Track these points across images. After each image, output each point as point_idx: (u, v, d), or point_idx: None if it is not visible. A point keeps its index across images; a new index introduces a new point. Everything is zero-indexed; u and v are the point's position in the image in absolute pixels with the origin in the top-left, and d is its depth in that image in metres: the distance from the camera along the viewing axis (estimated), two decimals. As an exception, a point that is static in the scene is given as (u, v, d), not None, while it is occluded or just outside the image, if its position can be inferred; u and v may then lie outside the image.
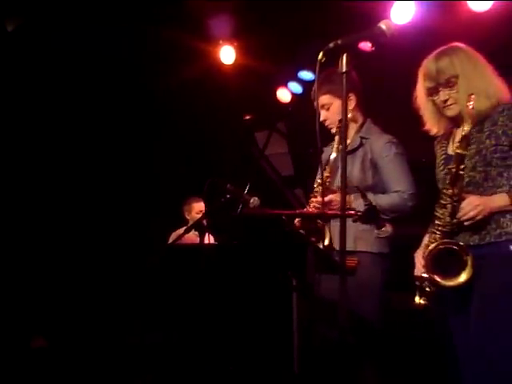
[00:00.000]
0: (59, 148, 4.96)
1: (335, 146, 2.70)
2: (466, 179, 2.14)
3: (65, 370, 4.03)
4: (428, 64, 2.22)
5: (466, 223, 2.10)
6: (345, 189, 1.86)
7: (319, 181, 2.69)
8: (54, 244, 4.86)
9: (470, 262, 2.05)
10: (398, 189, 2.66)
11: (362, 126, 2.81)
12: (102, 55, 4.48)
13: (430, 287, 2.12)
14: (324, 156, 2.76)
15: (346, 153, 1.91)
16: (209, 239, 3.27)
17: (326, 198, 2.58)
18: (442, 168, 2.27)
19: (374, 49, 3.29)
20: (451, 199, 2.11)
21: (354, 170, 2.70)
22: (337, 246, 2.49)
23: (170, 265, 2.96)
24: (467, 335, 2.12)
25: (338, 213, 1.97)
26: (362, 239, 2.62)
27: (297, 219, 2.70)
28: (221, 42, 4.45)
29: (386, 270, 2.71)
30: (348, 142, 2.74)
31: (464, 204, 2.09)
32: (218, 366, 3.63)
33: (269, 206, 2.76)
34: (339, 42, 1.82)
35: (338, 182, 2.64)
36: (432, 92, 2.22)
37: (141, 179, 5.21)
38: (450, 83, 2.16)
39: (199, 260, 2.61)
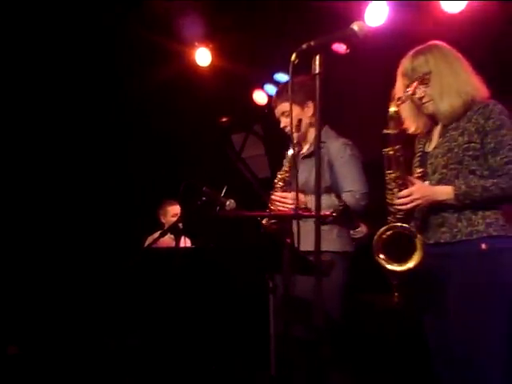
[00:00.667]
0: (31, 150, 4.88)
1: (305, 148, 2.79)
2: (438, 176, 2.16)
3: (42, 374, 3.97)
4: (404, 63, 2.25)
5: (400, 212, 2.11)
6: (319, 191, 1.87)
7: (280, 176, 2.79)
8: (28, 248, 4.78)
9: (419, 246, 2.04)
10: (350, 188, 2.72)
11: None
12: (78, 56, 4.42)
13: (394, 279, 2.11)
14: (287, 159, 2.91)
15: (319, 158, 1.89)
16: (185, 242, 3.25)
17: (282, 194, 2.72)
18: (417, 165, 2.28)
19: (348, 51, 3.32)
20: (395, 183, 2.12)
21: (312, 174, 2.73)
22: (304, 246, 2.55)
23: (146, 268, 2.94)
24: (442, 334, 2.12)
25: (312, 213, 1.96)
26: (323, 239, 2.63)
27: (264, 219, 2.75)
28: (196, 44, 4.43)
29: (348, 269, 2.74)
30: (307, 147, 2.89)
31: (404, 193, 2.10)
32: (196, 369, 3.61)
33: (246, 209, 2.76)
34: (312, 43, 1.82)
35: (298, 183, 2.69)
36: None
37: (116, 182, 5.16)
38: (424, 80, 2.18)
39: (175, 263, 2.58)
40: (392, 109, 2.11)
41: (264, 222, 2.74)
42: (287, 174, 2.79)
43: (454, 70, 2.19)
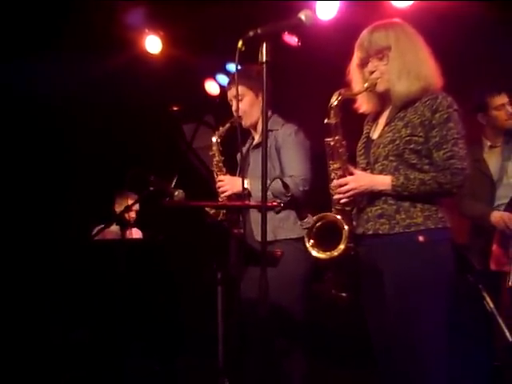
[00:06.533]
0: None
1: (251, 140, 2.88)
2: (380, 167, 2.14)
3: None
4: (363, 35, 2.15)
5: (339, 202, 2.12)
6: (265, 179, 1.86)
7: (214, 163, 2.93)
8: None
9: (344, 237, 2.07)
10: (291, 173, 2.76)
11: (269, 119, 2.91)
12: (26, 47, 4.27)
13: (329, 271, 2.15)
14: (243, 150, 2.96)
15: (266, 146, 1.90)
16: (131, 234, 3.19)
17: (219, 178, 2.84)
18: (361, 152, 2.26)
19: (299, 44, 3.34)
20: (335, 174, 2.13)
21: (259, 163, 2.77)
22: (258, 236, 2.58)
23: (89, 260, 2.86)
24: (381, 324, 2.13)
25: (259, 204, 1.95)
26: (280, 227, 2.71)
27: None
28: (146, 31, 4.36)
29: (308, 254, 2.74)
30: (257, 136, 2.94)
31: (340, 182, 2.11)
32: (143, 365, 3.56)
33: (196, 200, 2.73)
34: (259, 30, 1.81)
35: (246, 174, 2.81)
36: (363, 63, 2.15)
37: (63, 170, 5.02)
38: (379, 54, 2.10)
39: (120, 255, 2.52)
40: (333, 99, 2.10)
41: (212, 212, 2.75)
42: (217, 158, 2.89)
43: (416, 50, 2.11)
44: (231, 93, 2.89)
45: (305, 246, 2.70)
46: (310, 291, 2.80)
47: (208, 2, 4.03)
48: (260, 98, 2.84)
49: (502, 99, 3.19)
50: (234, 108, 2.89)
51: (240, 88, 2.83)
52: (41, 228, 4.77)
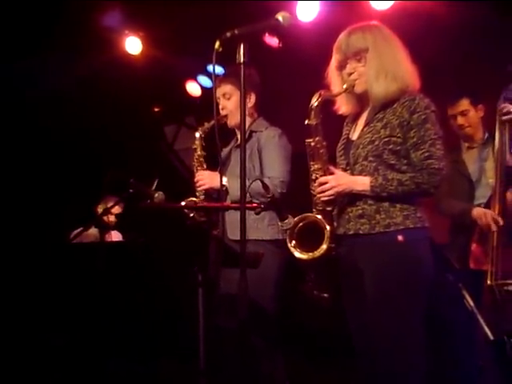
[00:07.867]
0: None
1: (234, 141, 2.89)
2: (359, 168, 2.15)
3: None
4: (340, 37, 2.18)
5: (320, 202, 2.13)
6: (244, 179, 1.86)
7: (195, 158, 2.90)
8: None
9: (326, 238, 2.09)
10: (270, 175, 2.77)
11: (254, 121, 2.95)
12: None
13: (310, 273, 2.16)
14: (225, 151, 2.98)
15: (244, 146, 1.90)
16: (110, 237, 3.16)
17: (198, 173, 2.84)
18: (341, 153, 2.27)
19: (280, 45, 3.35)
20: (316, 174, 2.14)
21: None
22: (231, 235, 2.58)
23: (69, 264, 2.83)
24: (362, 324, 2.14)
25: (238, 205, 1.95)
26: (253, 228, 2.70)
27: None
28: (126, 32, 4.33)
29: (281, 257, 2.74)
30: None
31: (321, 180, 2.12)
32: (124, 367, 3.54)
33: (178, 201, 2.72)
34: (236, 31, 1.81)
35: (226, 172, 2.81)
36: (341, 65, 2.18)
37: (45, 172, 4.97)
38: (357, 56, 2.12)
39: (99, 259, 2.50)
40: (314, 100, 2.11)
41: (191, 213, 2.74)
42: (199, 153, 2.88)
43: (393, 52, 2.13)
44: (219, 91, 2.89)
45: (277, 247, 2.73)
46: (294, 291, 2.80)
47: (188, 3, 4.01)
48: (248, 99, 2.85)
49: (452, 110, 3.22)
50: (220, 106, 2.89)
51: (228, 87, 2.86)
52: (20, 230, 4.71)
